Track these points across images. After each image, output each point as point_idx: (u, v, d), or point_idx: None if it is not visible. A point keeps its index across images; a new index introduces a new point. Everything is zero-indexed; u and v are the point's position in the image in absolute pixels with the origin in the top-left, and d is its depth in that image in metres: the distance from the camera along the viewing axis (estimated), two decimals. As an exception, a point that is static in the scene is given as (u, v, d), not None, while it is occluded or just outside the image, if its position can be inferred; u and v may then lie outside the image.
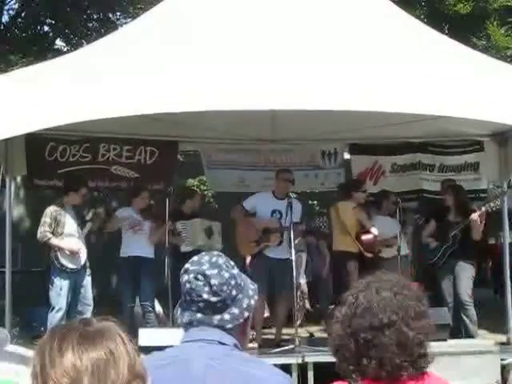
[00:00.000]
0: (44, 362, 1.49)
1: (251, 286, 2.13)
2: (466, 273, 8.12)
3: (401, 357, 2.05)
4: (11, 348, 3.83)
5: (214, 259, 2.07)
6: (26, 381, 1.54)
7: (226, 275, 2.05)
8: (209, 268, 2.04)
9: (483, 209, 7.89)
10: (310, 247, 11.13)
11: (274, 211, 7.97)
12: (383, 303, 2.09)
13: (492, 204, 7.94)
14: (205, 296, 2.02)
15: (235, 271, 2.09)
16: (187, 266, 2.08)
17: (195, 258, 2.11)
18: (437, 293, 8.00)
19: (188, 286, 2.04)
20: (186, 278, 2.06)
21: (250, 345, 7.33)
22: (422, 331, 2.10)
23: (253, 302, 2.10)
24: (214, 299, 2.02)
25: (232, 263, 2.12)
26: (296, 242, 8.21)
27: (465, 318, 8.04)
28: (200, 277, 2.03)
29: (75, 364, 1.47)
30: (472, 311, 8.05)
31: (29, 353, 4.50)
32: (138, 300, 8.55)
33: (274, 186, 8.24)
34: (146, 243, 8.40)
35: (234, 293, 2.05)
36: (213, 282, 2.02)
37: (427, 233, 8.49)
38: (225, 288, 2.03)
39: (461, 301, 8.07)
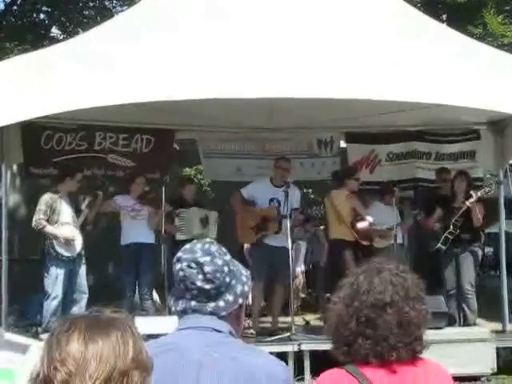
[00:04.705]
0: (51, 345, 1.51)
1: (244, 273, 2.12)
2: (468, 261, 8.11)
3: (398, 337, 2.06)
4: (8, 336, 3.87)
5: (206, 246, 2.06)
6: (20, 367, 1.56)
7: (220, 262, 2.03)
8: (202, 255, 2.03)
9: (479, 194, 7.89)
10: (309, 235, 11.11)
11: (272, 199, 7.98)
12: (384, 283, 2.11)
13: (487, 189, 7.93)
14: (198, 283, 2.01)
15: (228, 258, 2.08)
16: (180, 254, 2.07)
17: (187, 246, 2.09)
18: (434, 281, 7.99)
19: (181, 274, 2.03)
20: (178, 266, 2.04)
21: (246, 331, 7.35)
22: (421, 314, 2.11)
23: (246, 288, 2.09)
24: (207, 286, 2.01)
25: (224, 250, 2.10)
26: (295, 230, 8.19)
27: (465, 306, 8.04)
28: (193, 264, 2.02)
29: (81, 350, 1.48)
30: (473, 300, 8.05)
31: (26, 341, 4.51)
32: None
33: (271, 173, 8.25)
34: (145, 229, 8.37)
35: (227, 279, 2.03)
36: (206, 269, 2.01)
37: (434, 220, 8.39)
38: (218, 275, 2.02)
39: (462, 289, 8.06)
